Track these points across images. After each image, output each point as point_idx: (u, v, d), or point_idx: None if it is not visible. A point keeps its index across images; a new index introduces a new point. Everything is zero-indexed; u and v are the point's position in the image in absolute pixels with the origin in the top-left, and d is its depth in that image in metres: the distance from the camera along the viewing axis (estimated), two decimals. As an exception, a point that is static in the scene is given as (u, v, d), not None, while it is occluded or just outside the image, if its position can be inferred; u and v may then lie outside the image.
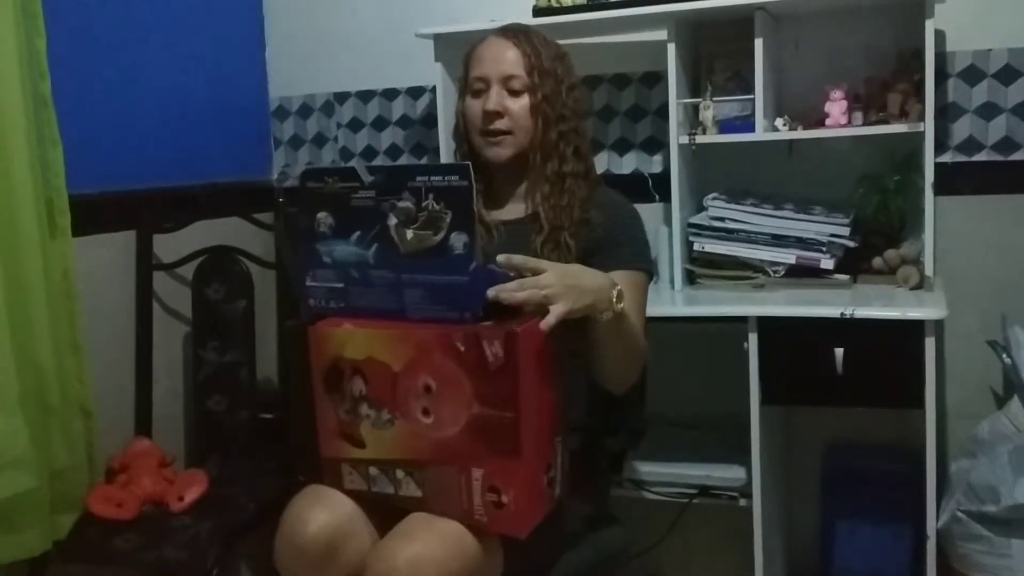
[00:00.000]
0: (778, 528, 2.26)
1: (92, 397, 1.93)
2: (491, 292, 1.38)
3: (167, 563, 1.80)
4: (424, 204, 1.40)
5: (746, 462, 2.11)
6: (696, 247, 2.22)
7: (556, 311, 1.38)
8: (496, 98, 1.68)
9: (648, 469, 2.22)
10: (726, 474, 2.19)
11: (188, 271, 2.26)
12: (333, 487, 1.54)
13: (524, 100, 1.68)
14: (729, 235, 2.18)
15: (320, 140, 2.73)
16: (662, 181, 2.36)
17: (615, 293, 1.46)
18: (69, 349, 1.87)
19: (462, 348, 1.37)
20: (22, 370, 1.77)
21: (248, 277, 2.21)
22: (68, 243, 1.90)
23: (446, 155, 2.35)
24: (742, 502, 2.16)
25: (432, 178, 1.39)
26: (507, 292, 1.38)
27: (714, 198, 2.22)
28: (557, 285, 1.39)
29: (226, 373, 2.21)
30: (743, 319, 2.01)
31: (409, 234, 1.41)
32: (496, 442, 1.37)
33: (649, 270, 1.70)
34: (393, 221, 1.42)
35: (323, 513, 1.50)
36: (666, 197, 2.29)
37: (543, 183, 1.70)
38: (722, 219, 2.19)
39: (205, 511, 1.90)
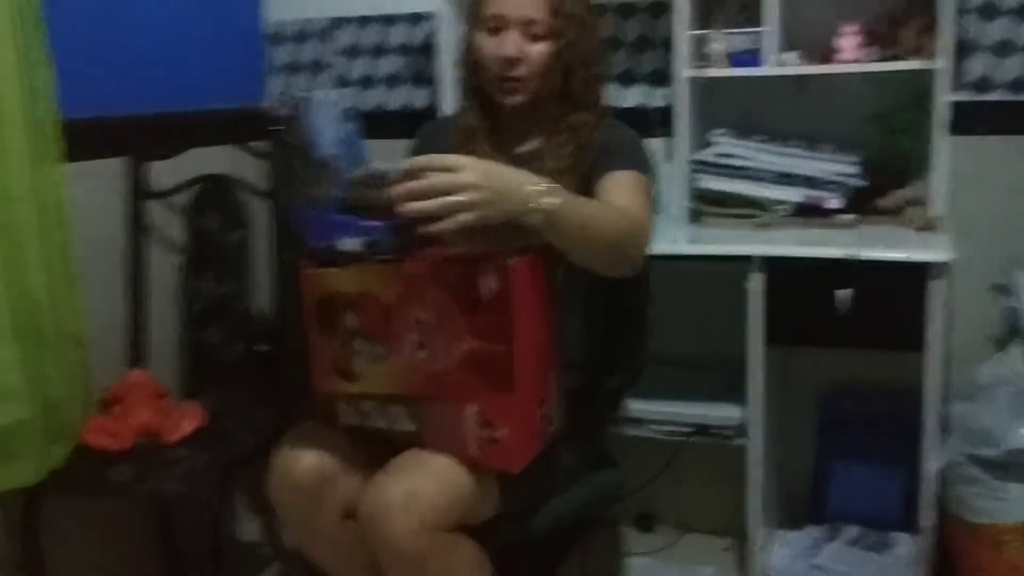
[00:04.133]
0: (773, 470, 2.25)
1: (86, 328, 1.90)
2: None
3: (163, 495, 1.79)
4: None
5: (743, 402, 2.10)
6: (700, 184, 2.17)
7: (469, 216, 1.25)
8: (515, 43, 1.57)
9: (643, 407, 2.21)
10: (722, 413, 2.18)
11: (182, 201, 2.22)
12: (327, 423, 1.52)
13: (544, 46, 1.59)
14: (735, 172, 2.14)
15: (316, 68, 2.67)
16: (667, 116, 2.30)
17: (538, 189, 1.31)
18: (62, 279, 1.83)
19: (455, 281, 1.35)
20: (14, 300, 1.74)
21: (243, 207, 2.17)
22: (60, 170, 1.85)
23: (447, 86, 2.29)
24: (737, 442, 2.15)
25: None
26: (415, 204, 1.26)
27: (721, 134, 2.17)
28: (473, 186, 1.25)
29: (221, 305, 2.19)
30: (747, 258, 1.98)
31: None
32: (490, 376, 1.35)
33: (646, 172, 1.60)
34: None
35: (315, 450, 1.49)
36: (670, 133, 2.24)
37: (555, 129, 1.65)
38: (728, 155, 2.14)
39: (201, 443, 1.89)
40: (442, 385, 1.39)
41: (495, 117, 1.69)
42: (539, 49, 1.59)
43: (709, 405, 2.20)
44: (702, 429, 2.20)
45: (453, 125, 1.73)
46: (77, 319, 1.88)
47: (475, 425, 1.38)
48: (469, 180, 1.26)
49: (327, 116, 1.42)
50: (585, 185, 1.58)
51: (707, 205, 2.20)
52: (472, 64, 1.67)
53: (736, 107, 2.27)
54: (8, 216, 1.73)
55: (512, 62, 1.58)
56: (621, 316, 1.81)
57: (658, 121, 2.34)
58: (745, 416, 2.11)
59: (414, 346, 1.40)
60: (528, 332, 1.36)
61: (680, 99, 2.17)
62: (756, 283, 1.97)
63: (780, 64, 2.12)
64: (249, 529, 2.41)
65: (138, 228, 2.16)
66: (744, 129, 2.20)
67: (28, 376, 1.76)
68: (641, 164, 1.60)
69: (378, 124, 2.35)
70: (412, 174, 1.27)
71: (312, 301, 1.47)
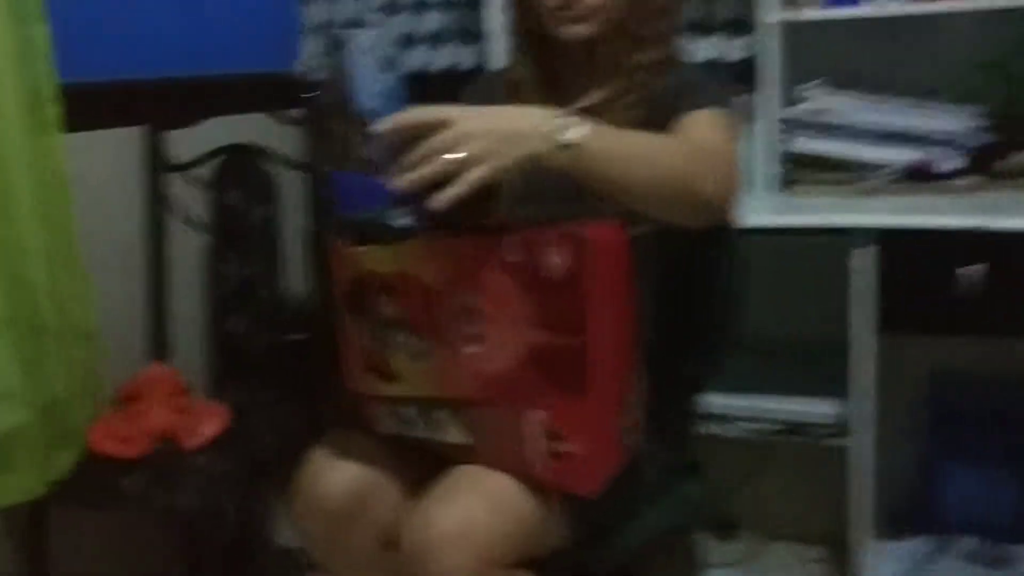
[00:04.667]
0: (872, 471, 1.97)
1: (95, 318, 1.68)
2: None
3: (179, 509, 1.57)
4: None
5: (840, 396, 1.82)
6: (792, 146, 1.89)
7: (478, 172, 1.02)
8: None
9: (726, 401, 1.93)
10: (818, 409, 1.90)
11: (203, 175, 1.99)
12: (359, 431, 1.28)
13: None
14: (832, 131, 1.85)
15: (353, 26, 2.41)
16: (748, 71, 2.02)
17: (556, 123, 1.06)
18: (62, 263, 1.61)
19: (515, 259, 1.09)
20: (9, 287, 1.53)
21: (270, 180, 1.94)
22: (59, 140, 1.63)
23: (497, 43, 2.03)
24: (834, 442, 1.88)
25: None
26: (409, 175, 1.04)
27: (814, 86, 1.88)
28: (475, 134, 1.03)
29: (246, 290, 1.96)
30: (849, 231, 1.69)
31: None
32: (559, 376, 1.09)
33: (728, 110, 1.30)
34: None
35: (345, 468, 1.25)
36: (754, 88, 1.95)
37: (619, 75, 1.38)
38: (824, 111, 1.85)
39: (222, 449, 1.67)
40: (499, 387, 1.13)
41: (549, 65, 1.42)
42: None
43: (800, 400, 1.93)
44: (794, 427, 1.92)
45: (500, 81, 1.48)
46: (83, 308, 1.66)
47: (540, 437, 1.12)
48: (466, 129, 1.04)
49: (367, 62, 1.21)
50: (659, 114, 1.32)
51: (800, 170, 1.91)
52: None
53: (831, 57, 1.98)
54: (-1, 193, 1.51)
55: None
56: (700, 288, 1.52)
57: (738, 77, 2.06)
58: (846, 413, 1.83)
59: (463, 339, 1.14)
60: (606, 320, 1.09)
61: (767, 48, 1.88)
62: (862, 260, 1.68)
63: (881, 4, 1.83)
64: (287, 534, 2.19)
65: (156, 204, 1.94)
66: (841, 82, 1.91)
67: (26, 373, 1.55)
68: (722, 101, 1.32)
69: (421, 87, 2.12)
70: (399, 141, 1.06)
71: (344, 284, 1.22)
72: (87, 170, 1.77)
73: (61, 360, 1.61)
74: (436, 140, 1.03)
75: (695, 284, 1.50)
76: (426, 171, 1.03)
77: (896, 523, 2.06)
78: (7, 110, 1.52)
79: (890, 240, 1.66)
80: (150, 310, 1.93)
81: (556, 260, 1.06)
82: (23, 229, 1.55)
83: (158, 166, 1.94)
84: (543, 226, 1.07)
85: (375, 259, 1.17)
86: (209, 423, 1.70)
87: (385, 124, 1.07)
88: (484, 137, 1.03)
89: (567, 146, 1.05)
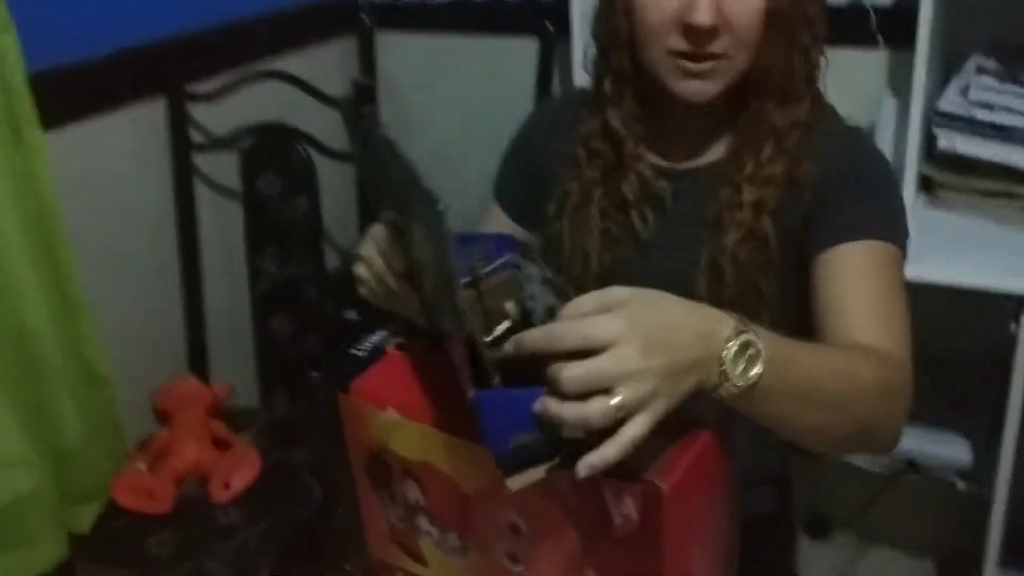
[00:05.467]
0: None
1: (104, 358, 1.48)
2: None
3: (209, 579, 1.42)
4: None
5: (969, 434, 1.54)
6: (943, 143, 1.50)
7: (641, 427, 0.71)
8: (710, 2, 0.95)
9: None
10: (946, 450, 1.62)
11: (230, 158, 1.72)
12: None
13: (756, 2, 0.97)
14: (997, 133, 1.46)
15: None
16: (893, 21, 1.61)
17: (736, 356, 0.75)
18: (58, 299, 1.39)
19: (572, 496, 0.82)
20: (1, 336, 1.34)
21: (310, 167, 1.66)
22: (41, 166, 1.37)
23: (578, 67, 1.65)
24: (960, 486, 1.61)
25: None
26: (556, 408, 0.71)
27: (979, 71, 1.47)
28: (645, 372, 0.71)
29: (289, 289, 1.73)
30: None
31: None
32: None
33: (898, 241, 1.00)
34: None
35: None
36: (900, 44, 1.55)
37: (751, 131, 1.05)
38: (989, 106, 1.45)
39: (257, 503, 1.49)
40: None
41: (658, 114, 1.09)
42: (749, 7, 0.97)
43: (925, 434, 1.64)
44: (914, 467, 1.66)
45: (594, 119, 1.14)
46: (89, 348, 1.46)
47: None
48: (631, 364, 0.71)
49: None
50: (786, 247, 1.02)
51: (948, 172, 1.53)
52: (622, 29, 1.05)
53: (1002, 19, 1.55)
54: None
55: (707, 33, 0.97)
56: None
57: (878, 29, 1.65)
58: (972, 455, 1.55)
59: (505, 555, 0.90)
60: (689, 567, 0.84)
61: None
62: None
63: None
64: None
65: (184, 189, 1.69)
66: (1009, 54, 1.50)
67: (32, 431, 1.37)
68: (895, 222, 1.00)
69: (491, 16, 1.79)
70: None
71: (360, 451, 0.98)
72: (103, 160, 1.53)
73: (71, 408, 1.43)
74: (593, 367, 0.70)
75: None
76: (574, 414, 0.70)
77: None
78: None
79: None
80: (186, 314, 1.73)
81: (624, 512, 0.79)
82: (12, 267, 1.33)
83: (183, 142, 1.68)
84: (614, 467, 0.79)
85: (397, 438, 0.92)
86: (240, 472, 1.52)
87: (534, 339, 0.73)
88: (655, 376, 0.71)
89: (739, 387, 0.76)
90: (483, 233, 0.87)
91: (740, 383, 0.76)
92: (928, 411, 1.62)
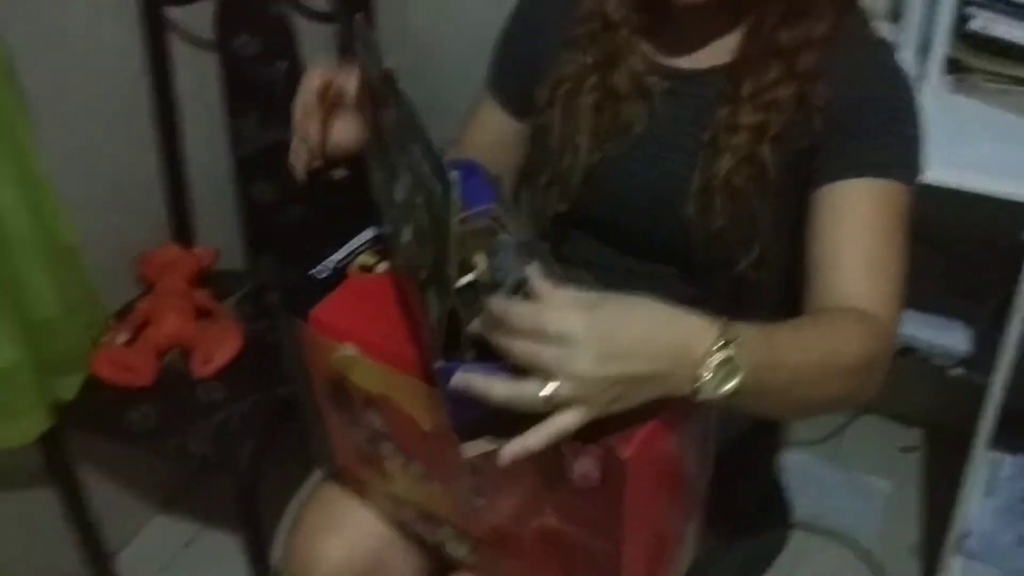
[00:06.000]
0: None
1: (72, 230, 1.43)
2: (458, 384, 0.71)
3: (190, 455, 1.42)
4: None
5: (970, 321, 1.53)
6: (975, 23, 1.38)
7: (574, 420, 0.69)
8: None
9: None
10: (943, 338, 1.60)
11: (205, 15, 1.60)
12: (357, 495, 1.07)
13: None
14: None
15: None
16: None
17: (713, 370, 0.71)
18: (16, 172, 1.32)
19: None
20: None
21: (286, 28, 1.55)
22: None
23: None
24: (956, 372, 1.59)
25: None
26: (487, 389, 0.70)
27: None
28: (599, 379, 0.69)
29: (270, 155, 1.65)
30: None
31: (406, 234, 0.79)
32: (582, 571, 0.85)
33: (910, 179, 0.93)
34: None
35: (340, 544, 1.05)
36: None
37: (758, 45, 0.96)
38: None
39: (239, 379, 1.48)
40: (512, 546, 0.90)
41: (658, 5, 1.00)
42: None
43: (927, 319, 1.61)
44: (910, 351, 1.63)
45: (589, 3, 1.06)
46: (55, 221, 1.40)
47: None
48: (577, 367, 0.68)
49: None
50: (788, 172, 0.94)
51: (977, 56, 1.41)
52: None
53: None
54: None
55: None
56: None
57: None
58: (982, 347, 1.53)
59: (468, 488, 0.89)
60: (649, 525, 0.82)
61: None
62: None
63: None
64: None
65: (158, 50, 1.59)
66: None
67: (4, 308, 1.35)
68: (910, 159, 0.94)
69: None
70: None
71: (321, 375, 0.95)
72: (66, 15, 1.44)
73: (42, 282, 1.39)
74: (539, 355, 0.68)
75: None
76: (504, 397, 0.69)
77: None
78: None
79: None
80: (166, 180, 1.67)
81: (585, 470, 0.76)
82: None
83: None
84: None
85: (356, 372, 0.89)
86: (221, 346, 1.50)
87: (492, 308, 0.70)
88: (600, 384, 0.69)
89: (714, 397, 0.73)
90: (454, 161, 0.80)
91: (715, 396, 0.73)
92: (930, 297, 1.60)
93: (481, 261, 0.75)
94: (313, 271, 0.94)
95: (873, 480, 1.90)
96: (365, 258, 0.95)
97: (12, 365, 1.36)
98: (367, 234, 0.98)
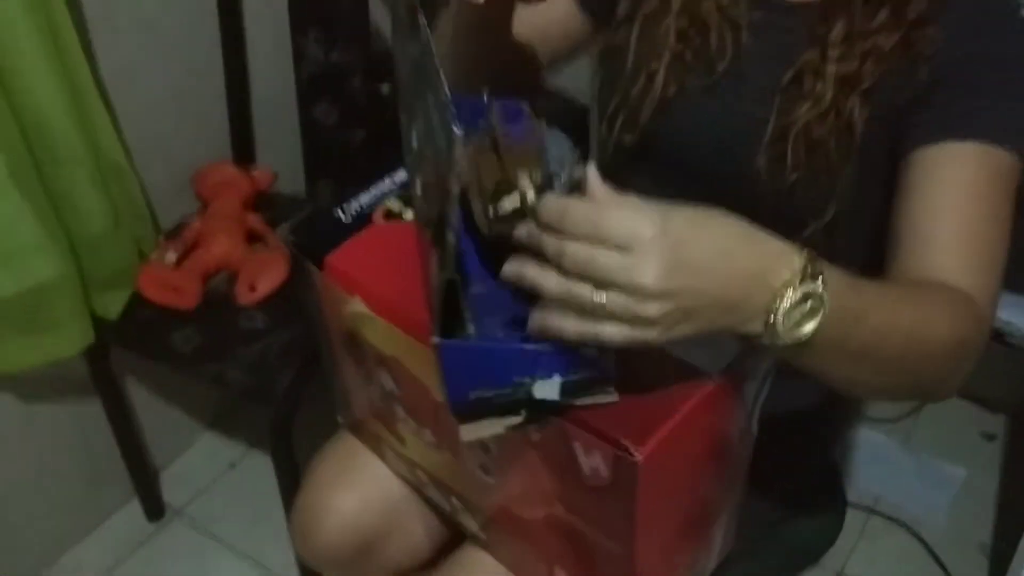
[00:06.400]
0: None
1: (121, 148, 1.40)
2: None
3: (228, 383, 1.40)
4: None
5: None
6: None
7: (614, 333, 0.59)
8: None
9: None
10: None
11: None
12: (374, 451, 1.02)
13: None
14: None
15: None
16: None
17: (794, 306, 0.61)
18: (67, 86, 1.28)
19: (542, 441, 0.72)
20: (19, 127, 1.26)
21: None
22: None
23: None
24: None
25: None
26: (530, 279, 0.61)
27: None
28: (666, 293, 0.58)
29: (333, 76, 1.59)
30: None
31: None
32: (593, 568, 0.78)
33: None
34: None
35: (352, 499, 1.00)
36: None
37: None
38: None
39: (281, 310, 1.44)
40: (521, 528, 0.83)
41: None
42: None
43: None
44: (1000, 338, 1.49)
45: None
46: (107, 137, 1.36)
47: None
48: (641, 278, 0.58)
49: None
50: (879, 128, 0.83)
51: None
52: None
53: None
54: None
55: None
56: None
57: None
58: None
59: (477, 465, 0.82)
60: (667, 526, 0.75)
61: None
62: None
63: None
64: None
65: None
66: None
67: (53, 219, 1.33)
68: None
69: None
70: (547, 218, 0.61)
71: (337, 327, 0.89)
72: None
73: (90, 196, 1.36)
74: (599, 259, 0.58)
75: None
76: (554, 290, 0.60)
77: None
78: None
79: None
80: (228, 93, 1.62)
81: (593, 465, 0.69)
82: (16, 52, 1.22)
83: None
84: (588, 413, 0.67)
85: (368, 329, 0.82)
86: (267, 274, 1.45)
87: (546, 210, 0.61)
88: (664, 302, 0.58)
89: (785, 339, 0.63)
90: (503, 101, 0.71)
91: (788, 338, 0.62)
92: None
93: (525, 183, 0.63)
94: (338, 212, 0.87)
95: (947, 466, 1.78)
96: (392, 203, 0.88)
97: (58, 278, 1.35)
98: (399, 176, 0.90)
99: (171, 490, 1.80)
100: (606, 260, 0.57)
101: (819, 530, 1.18)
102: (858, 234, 0.89)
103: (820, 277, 0.62)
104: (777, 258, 0.62)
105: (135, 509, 1.75)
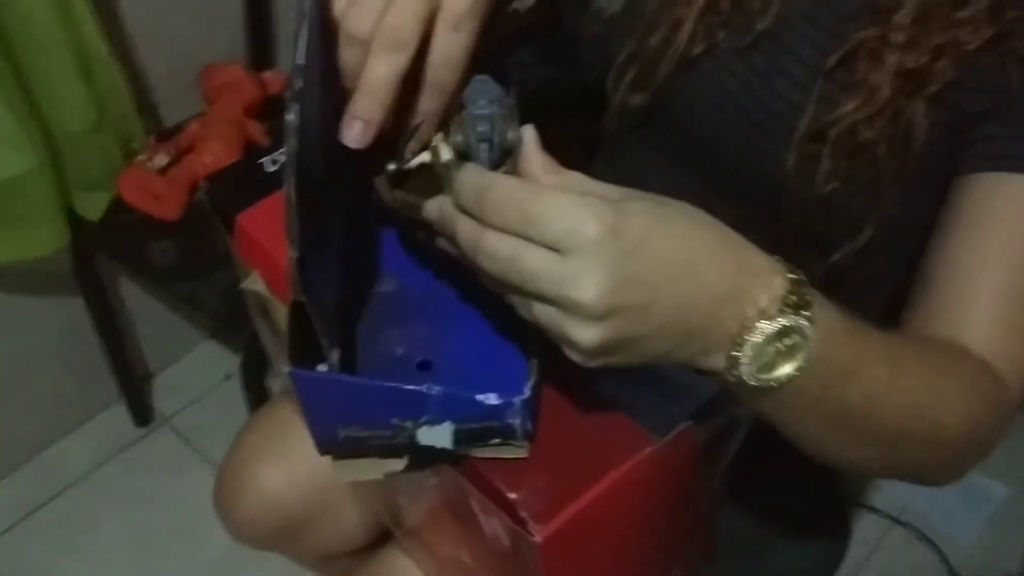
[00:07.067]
0: None
1: (102, 40, 1.27)
2: None
3: (202, 307, 1.30)
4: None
5: None
6: None
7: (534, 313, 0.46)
8: None
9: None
10: None
11: None
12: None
13: None
14: None
15: None
16: None
17: (765, 326, 0.47)
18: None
19: (435, 481, 0.59)
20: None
21: None
22: None
23: None
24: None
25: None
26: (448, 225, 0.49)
27: None
28: (580, 294, 0.43)
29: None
30: None
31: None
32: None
33: None
34: None
35: (277, 475, 0.90)
36: None
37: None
38: None
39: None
40: (436, 554, 0.72)
41: None
42: None
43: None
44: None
45: None
46: (81, 26, 1.23)
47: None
48: (574, 292, 0.43)
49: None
50: (942, 138, 0.66)
51: None
52: None
53: None
54: None
55: None
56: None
57: None
58: None
59: (387, 485, 0.70)
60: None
61: None
62: None
63: None
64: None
65: None
66: None
67: (18, 115, 1.22)
68: None
69: None
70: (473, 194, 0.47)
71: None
72: None
73: (69, 92, 1.25)
74: (526, 261, 0.44)
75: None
76: (475, 251, 0.46)
77: None
78: None
79: None
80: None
81: (493, 529, 0.56)
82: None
83: None
84: (490, 467, 0.53)
85: (276, 310, 0.69)
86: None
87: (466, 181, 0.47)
88: (615, 323, 0.45)
89: (751, 384, 0.49)
90: None
91: (754, 381, 0.48)
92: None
93: (441, 144, 0.50)
94: (269, 159, 0.74)
95: (987, 483, 1.61)
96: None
97: (28, 172, 1.24)
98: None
99: (162, 397, 1.74)
100: (533, 263, 0.44)
101: (813, 557, 1.04)
102: (896, 263, 0.72)
103: (807, 311, 0.47)
104: (754, 277, 0.47)
105: (122, 412, 1.70)
